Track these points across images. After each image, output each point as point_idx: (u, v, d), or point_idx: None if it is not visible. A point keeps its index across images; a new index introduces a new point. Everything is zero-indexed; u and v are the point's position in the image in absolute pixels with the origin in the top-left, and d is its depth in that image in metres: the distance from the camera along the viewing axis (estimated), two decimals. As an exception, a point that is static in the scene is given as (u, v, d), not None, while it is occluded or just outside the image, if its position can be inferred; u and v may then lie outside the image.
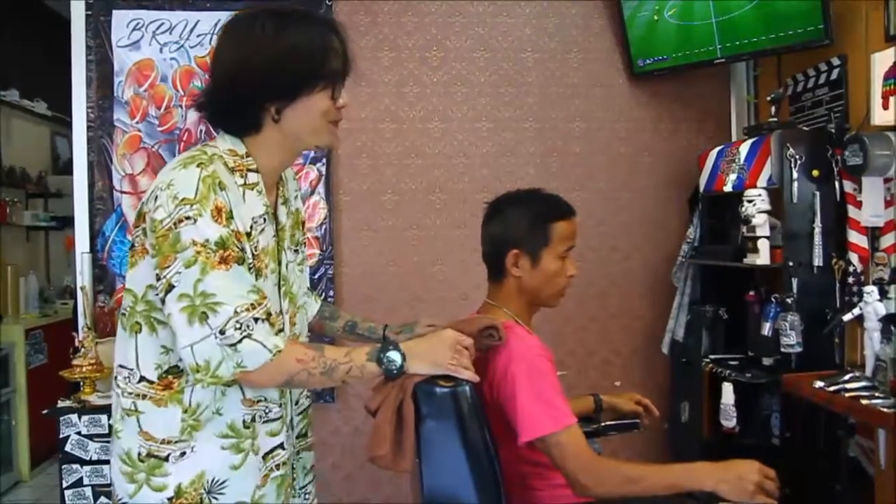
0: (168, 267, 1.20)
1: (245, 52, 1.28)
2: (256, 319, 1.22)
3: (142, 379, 1.29)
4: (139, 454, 1.28)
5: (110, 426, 1.38)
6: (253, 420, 1.32)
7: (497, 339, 1.51)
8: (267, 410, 1.34)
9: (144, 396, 1.29)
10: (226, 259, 1.21)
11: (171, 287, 1.20)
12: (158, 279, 1.22)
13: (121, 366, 1.32)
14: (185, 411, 1.28)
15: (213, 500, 1.29)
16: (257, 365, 1.22)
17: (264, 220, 1.32)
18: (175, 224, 1.19)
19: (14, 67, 4.80)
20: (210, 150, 1.29)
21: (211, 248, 1.20)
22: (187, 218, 1.19)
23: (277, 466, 1.36)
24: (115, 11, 2.84)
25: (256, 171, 1.32)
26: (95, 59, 2.84)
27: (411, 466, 1.42)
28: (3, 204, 4.54)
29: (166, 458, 1.28)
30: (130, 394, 1.30)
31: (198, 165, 1.23)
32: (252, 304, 1.22)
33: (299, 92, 1.29)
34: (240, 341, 1.20)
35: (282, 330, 1.36)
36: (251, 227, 1.28)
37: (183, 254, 1.19)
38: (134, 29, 2.85)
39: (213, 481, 1.28)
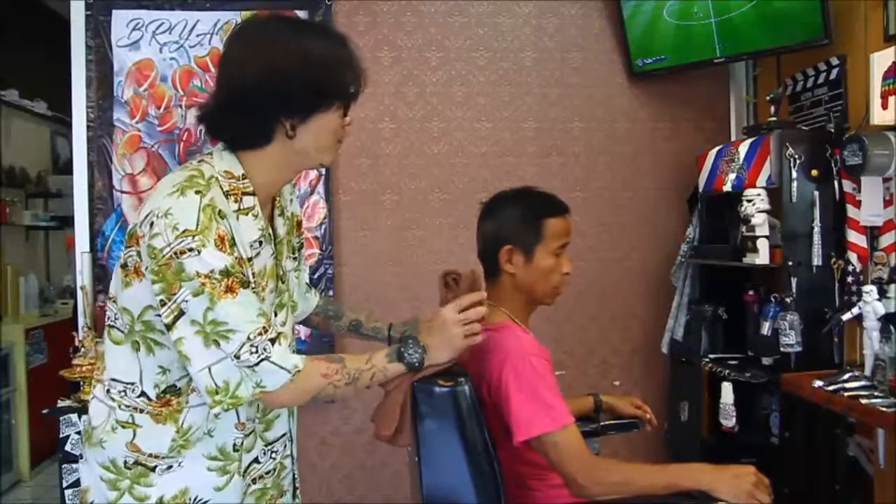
0: (175, 294, 1.16)
1: (266, 61, 1.22)
2: (272, 341, 1.20)
3: (142, 394, 1.27)
4: (125, 462, 1.27)
5: (85, 431, 1.34)
6: (242, 444, 1.31)
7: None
8: (247, 431, 1.33)
9: (142, 411, 1.27)
10: (231, 287, 1.17)
11: (181, 312, 1.17)
12: (164, 304, 1.18)
13: (114, 379, 1.29)
14: (178, 431, 1.26)
15: None
16: (277, 385, 1.21)
17: (260, 243, 1.29)
18: (176, 255, 1.15)
19: (14, 67, 4.80)
20: (207, 170, 1.23)
21: (216, 277, 1.16)
22: (190, 250, 1.15)
23: (254, 480, 1.36)
24: (114, 11, 2.84)
25: (252, 193, 1.27)
26: (95, 58, 2.84)
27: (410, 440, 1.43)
28: (3, 204, 4.54)
29: (153, 469, 1.26)
30: (128, 407, 1.27)
31: (196, 192, 1.18)
32: (264, 328, 1.20)
33: (318, 107, 1.24)
34: (258, 364, 1.19)
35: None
36: (251, 253, 1.26)
37: (189, 283, 1.16)
38: (134, 29, 2.86)
39: (195, 499, 1.27)
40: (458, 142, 3.05)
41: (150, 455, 1.26)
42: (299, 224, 1.49)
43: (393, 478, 2.94)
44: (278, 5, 2.88)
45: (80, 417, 2.40)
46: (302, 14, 2.89)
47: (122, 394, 1.28)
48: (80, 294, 2.77)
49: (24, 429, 4.11)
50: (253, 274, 1.25)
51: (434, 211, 3.04)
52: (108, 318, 1.30)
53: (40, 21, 5.04)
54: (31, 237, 5.10)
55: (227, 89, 1.25)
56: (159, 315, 1.20)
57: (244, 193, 1.26)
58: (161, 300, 1.18)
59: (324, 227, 2.94)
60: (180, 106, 2.87)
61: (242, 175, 1.26)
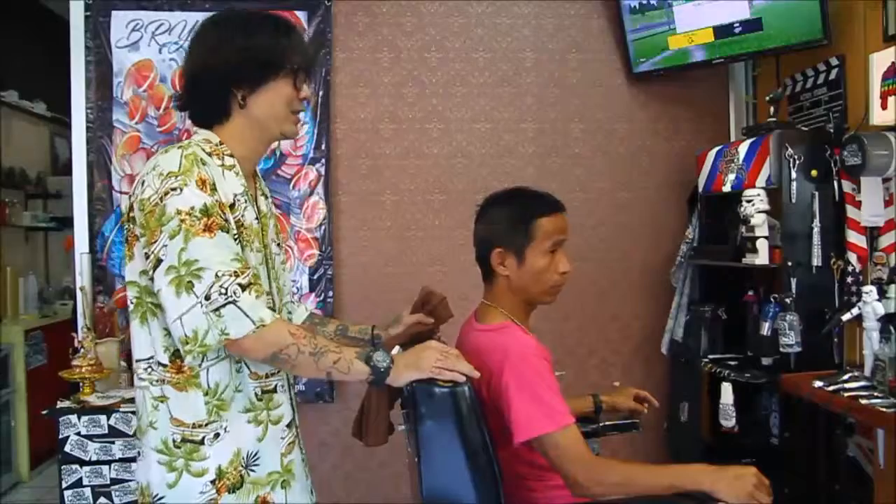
0: (155, 242, 1.24)
1: (212, 45, 1.38)
2: (242, 287, 1.24)
3: (160, 364, 1.32)
4: (174, 441, 1.31)
5: (137, 426, 1.40)
6: (266, 392, 1.36)
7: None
8: (283, 384, 1.40)
9: (166, 381, 1.32)
10: (209, 226, 1.25)
11: (158, 262, 1.24)
12: (147, 257, 1.26)
13: (139, 359, 1.35)
14: (206, 393, 1.31)
15: (251, 473, 1.33)
16: (240, 334, 1.24)
17: (245, 199, 1.37)
18: (161, 197, 1.25)
19: (13, 68, 4.80)
20: (186, 141, 1.37)
21: (195, 215, 1.24)
22: (173, 189, 1.25)
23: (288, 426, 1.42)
24: (114, 12, 2.84)
25: (231, 155, 1.38)
26: (94, 59, 2.84)
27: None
28: (3, 205, 4.54)
29: (202, 442, 1.30)
30: (157, 381, 1.33)
31: (178, 148, 1.31)
32: (235, 272, 1.25)
33: (263, 78, 1.37)
34: (223, 306, 1.23)
35: (272, 308, 1.39)
36: (234, 201, 1.33)
37: (168, 225, 1.24)
38: (133, 30, 2.86)
39: (247, 455, 1.33)
40: (458, 142, 3.05)
41: (195, 426, 1.31)
42: (283, 229, 1.58)
43: (393, 478, 2.93)
44: (278, 6, 2.87)
45: (79, 418, 2.40)
46: (301, 15, 2.89)
47: (149, 370, 1.34)
48: (79, 295, 2.77)
49: (24, 430, 4.10)
50: (241, 223, 1.34)
51: (433, 212, 3.04)
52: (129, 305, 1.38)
53: (40, 22, 5.04)
54: (30, 238, 5.09)
55: (186, 75, 1.42)
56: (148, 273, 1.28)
57: (225, 154, 1.37)
58: (145, 253, 1.27)
59: (323, 227, 2.94)
60: (180, 107, 2.87)
61: (219, 142, 1.39)
